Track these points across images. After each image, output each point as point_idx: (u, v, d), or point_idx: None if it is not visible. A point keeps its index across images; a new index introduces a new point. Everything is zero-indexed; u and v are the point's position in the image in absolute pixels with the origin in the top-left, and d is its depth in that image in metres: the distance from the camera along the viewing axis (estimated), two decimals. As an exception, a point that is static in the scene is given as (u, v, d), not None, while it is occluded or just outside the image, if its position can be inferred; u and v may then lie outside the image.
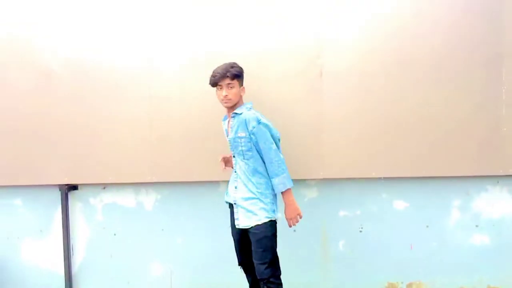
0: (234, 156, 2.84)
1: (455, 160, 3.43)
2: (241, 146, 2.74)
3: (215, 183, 3.53)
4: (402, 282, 3.59)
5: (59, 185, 3.51)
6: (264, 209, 2.72)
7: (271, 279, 2.67)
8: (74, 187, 3.55)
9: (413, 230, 3.57)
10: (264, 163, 2.73)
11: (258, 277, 2.71)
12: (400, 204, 3.58)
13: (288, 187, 2.71)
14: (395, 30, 3.39)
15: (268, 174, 2.73)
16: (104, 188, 3.58)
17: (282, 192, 2.72)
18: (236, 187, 2.81)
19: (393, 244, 3.57)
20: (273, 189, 2.75)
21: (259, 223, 2.69)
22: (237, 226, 2.79)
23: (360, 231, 3.59)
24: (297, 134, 3.37)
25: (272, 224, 2.75)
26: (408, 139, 3.41)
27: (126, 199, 3.58)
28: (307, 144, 3.39)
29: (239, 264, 3.01)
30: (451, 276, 3.58)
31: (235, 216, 2.80)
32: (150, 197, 3.58)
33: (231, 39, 3.37)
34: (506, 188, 3.57)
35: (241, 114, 2.73)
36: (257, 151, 2.74)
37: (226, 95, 2.71)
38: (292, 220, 2.76)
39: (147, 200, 3.58)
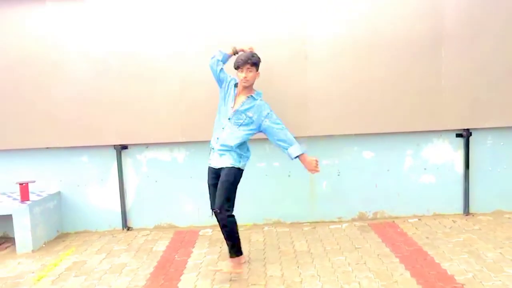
0: (229, 119, 3.53)
1: (408, 119, 4.58)
2: (243, 119, 3.51)
3: (229, 141, 4.71)
4: (369, 211, 4.81)
5: (114, 145, 4.72)
6: (232, 158, 3.52)
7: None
8: (125, 147, 4.76)
9: (377, 173, 4.76)
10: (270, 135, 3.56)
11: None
12: (368, 154, 4.76)
13: (303, 152, 3.48)
14: (362, 22, 4.48)
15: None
16: (147, 147, 4.78)
17: (297, 157, 3.46)
18: (218, 138, 3.57)
19: (362, 184, 4.77)
20: (247, 151, 3.63)
21: (229, 166, 3.50)
22: (209, 165, 3.60)
23: (338, 175, 4.78)
24: (289, 103, 4.50)
25: (237, 171, 3.52)
26: (373, 105, 4.55)
27: (163, 155, 4.78)
28: (297, 110, 4.53)
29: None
30: (406, 206, 4.78)
31: (211, 158, 3.60)
32: (181, 153, 4.77)
33: (236, 32, 4.45)
34: (447, 140, 4.73)
35: (256, 100, 3.54)
36: (259, 130, 3.53)
37: (245, 77, 3.46)
38: (314, 169, 3.50)
39: (179, 155, 4.78)
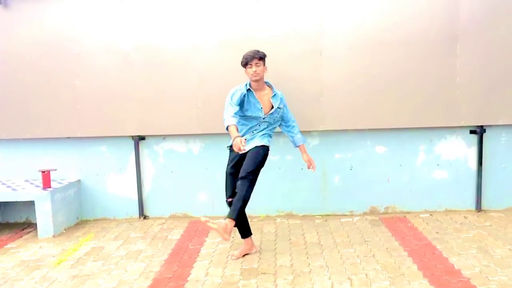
0: (263, 118, 3.72)
1: (422, 115, 4.60)
2: (278, 114, 3.81)
3: (244, 134, 4.81)
4: (381, 206, 4.85)
5: (132, 136, 4.86)
6: (265, 140, 3.79)
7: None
8: (142, 138, 4.90)
9: (389, 168, 4.80)
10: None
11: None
12: (380, 149, 4.80)
13: (304, 142, 4.04)
14: (377, 18, 4.52)
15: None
16: (164, 138, 4.91)
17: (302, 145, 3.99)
18: (253, 132, 3.76)
19: (374, 178, 4.81)
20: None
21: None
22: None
23: (351, 169, 4.84)
24: (303, 98, 4.57)
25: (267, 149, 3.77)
26: (386, 100, 4.58)
27: (179, 146, 4.91)
28: (311, 105, 4.60)
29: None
30: (417, 201, 4.82)
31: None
32: (197, 145, 4.90)
33: (253, 28, 4.55)
34: (460, 136, 4.73)
35: (278, 93, 3.81)
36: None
37: (255, 71, 3.62)
38: (310, 163, 3.98)
39: (194, 147, 4.90)
